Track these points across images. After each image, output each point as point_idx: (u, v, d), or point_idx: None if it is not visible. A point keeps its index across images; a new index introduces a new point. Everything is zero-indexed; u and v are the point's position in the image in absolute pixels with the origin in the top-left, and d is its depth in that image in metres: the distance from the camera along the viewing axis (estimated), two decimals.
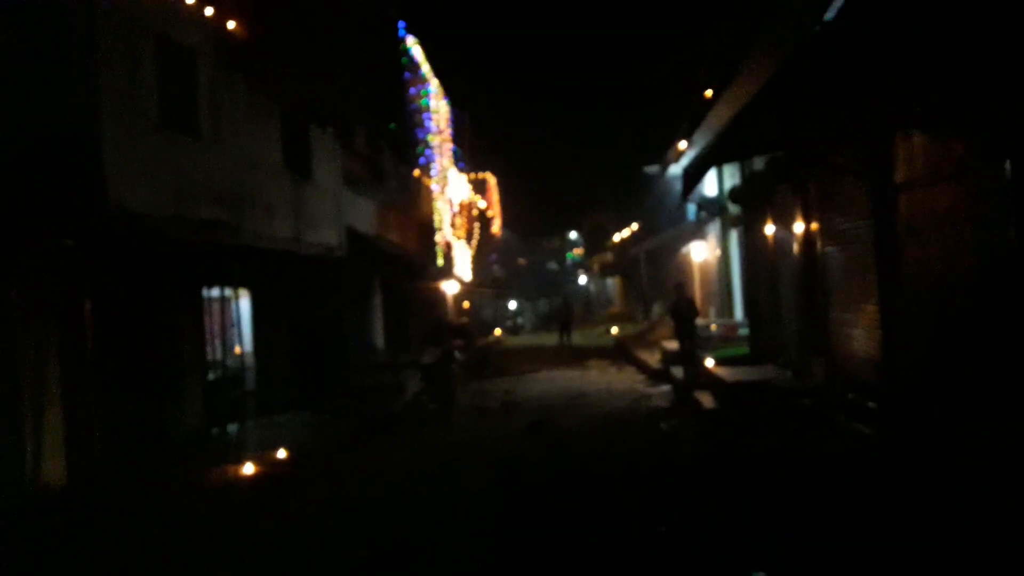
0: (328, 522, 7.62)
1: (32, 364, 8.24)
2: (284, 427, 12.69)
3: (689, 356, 15.36)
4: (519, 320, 44.48)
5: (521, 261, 71.48)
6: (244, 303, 13.84)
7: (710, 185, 17.29)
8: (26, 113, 8.10)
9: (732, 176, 15.72)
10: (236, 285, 13.06)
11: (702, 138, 14.77)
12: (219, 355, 13.77)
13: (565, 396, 15.74)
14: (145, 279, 10.13)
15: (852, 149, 8.29)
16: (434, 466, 9.99)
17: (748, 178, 13.27)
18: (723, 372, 12.87)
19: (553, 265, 73.44)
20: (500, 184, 51.81)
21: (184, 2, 10.19)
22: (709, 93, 13.21)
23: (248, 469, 9.44)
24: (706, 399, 12.70)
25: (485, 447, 11.08)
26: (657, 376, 17.61)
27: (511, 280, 60.45)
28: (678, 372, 15.84)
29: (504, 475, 9.16)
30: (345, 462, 10.52)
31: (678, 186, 18.79)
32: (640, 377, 18.44)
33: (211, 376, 13.01)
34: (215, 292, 12.73)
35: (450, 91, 28.79)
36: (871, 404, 8.79)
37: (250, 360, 13.86)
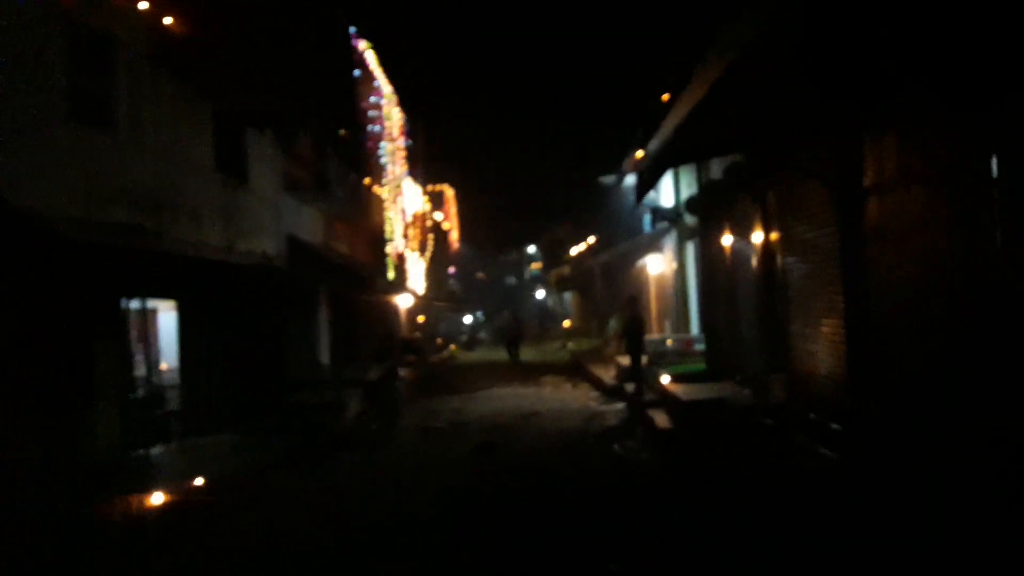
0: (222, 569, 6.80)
1: None
2: (210, 450, 11.76)
3: (637, 372, 14.80)
4: (477, 335, 43.68)
5: (480, 275, 70.88)
6: (171, 316, 12.92)
7: (666, 195, 16.79)
8: None
9: (689, 186, 15.23)
10: (160, 296, 12.14)
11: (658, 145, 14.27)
12: (143, 372, 12.85)
13: (516, 415, 15.03)
14: (51, 288, 9.20)
15: (815, 151, 7.76)
16: (363, 495, 9.21)
17: (705, 187, 12.76)
18: (678, 389, 12.28)
19: (512, 279, 72.93)
20: (458, 197, 51.20)
21: None
22: (666, 97, 12.70)
23: (154, 499, 8.56)
24: (661, 418, 12.10)
25: (425, 473, 10.32)
26: (612, 393, 17.03)
27: (470, 294, 59.77)
28: (632, 388, 15.27)
29: (442, 506, 8.42)
30: (265, 490, 9.67)
31: (633, 197, 18.30)
32: (594, 394, 17.81)
33: (133, 395, 12.07)
34: (136, 304, 11.81)
35: (404, 99, 28.09)
36: (835, 426, 8.24)
37: (178, 377, 12.93)
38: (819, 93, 5.83)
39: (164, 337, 13.35)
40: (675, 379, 13.59)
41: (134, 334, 13.05)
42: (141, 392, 12.32)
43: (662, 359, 15.94)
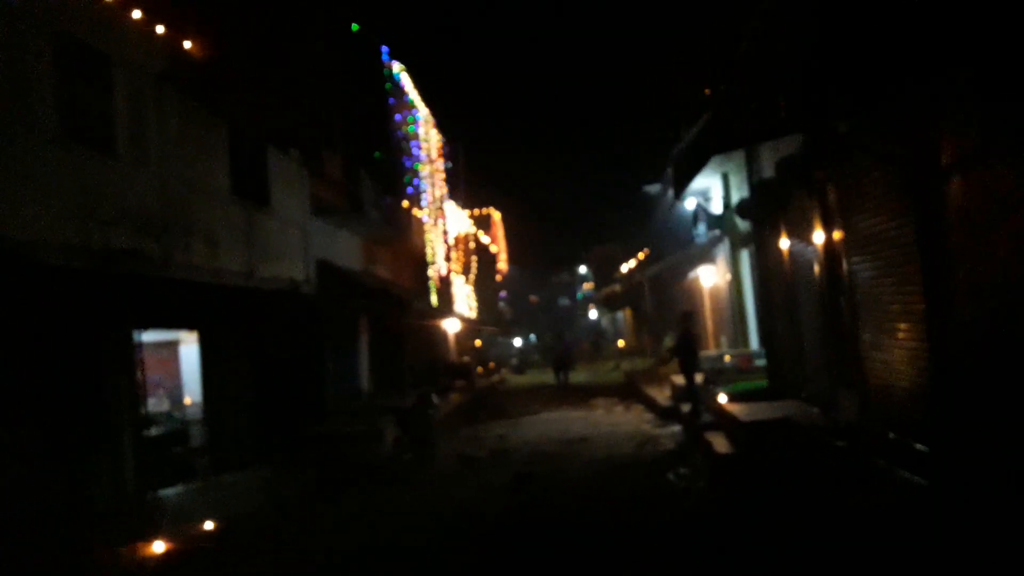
0: None
1: None
2: (234, 487, 11.05)
3: (693, 392, 13.71)
4: (528, 358, 42.73)
5: (533, 298, 70.10)
6: (194, 348, 12.33)
7: (716, 201, 15.72)
8: None
9: (740, 189, 14.15)
10: (180, 326, 11.55)
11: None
12: (164, 407, 12.27)
13: (563, 441, 14.05)
14: (54, 321, 8.62)
15: (880, 130, 6.71)
16: (387, 532, 8.35)
17: (756, 187, 11.69)
18: (738, 409, 11.17)
19: (565, 301, 71.99)
20: (507, 220, 50.59)
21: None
22: (708, 91, 11.71)
23: (155, 546, 7.83)
24: (719, 441, 11.01)
25: (457, 506, 9.43)
26: (666, 415, 15.95)
27: (522, 317, 58.97)
28: (688, 409, 14.19)
29: (469, 544, 7.51)
30: (284, 529, 8.89)
31: (682, 207, 17.26)
32: (648, 416, 16.73)
33: (152, 431, 11.46)
34: (154, 336, 11.23)
35: (442, 120, 27.56)
36: (919, 446, 7.11)
37: (202, 411, 12.31)
38: (884, 56, 4.86)
39: (187, 370, 12.77)
40: (734, 398, 12.48)
41: (155, 367, 12.52)
42: (162, 428, 11.74)
43: (720, 377, 14.82)
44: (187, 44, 11.12)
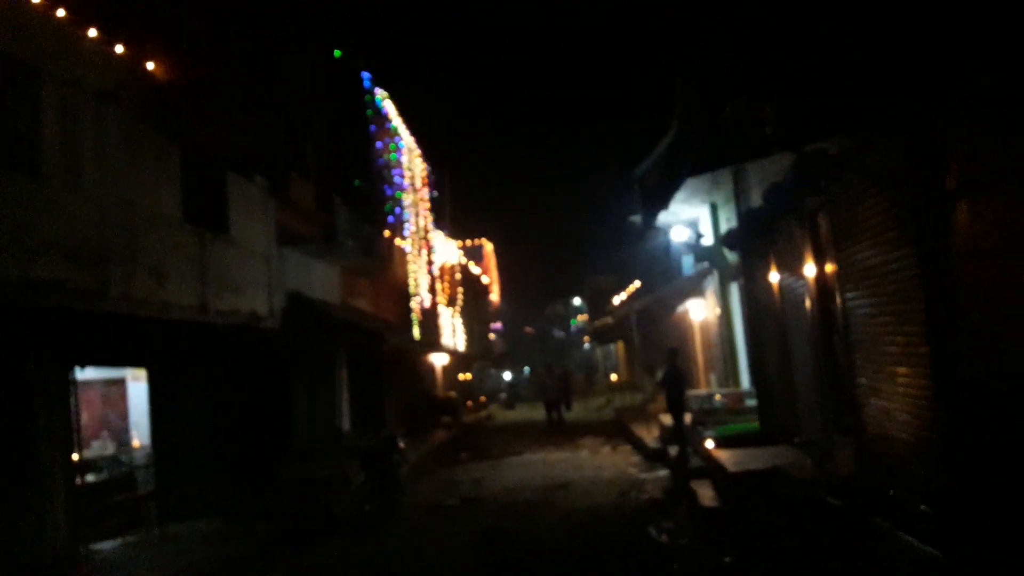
0: None
1: None
2: (178, 541, 10.18)
3: (680, 435, 12.90)
4: (518, 392, 41.81)
5: (528, 330, 69.30)
6: (143, 386, 11.50)
7: (705, 232, 14.99)
8: None
9: (729, 220, 13.44)
10: (126, 363, 10.73)
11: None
12: (108, 450, 11.42)
13: (543, 487, 13.18)
14: None
15: (877, 150, 5.97)
16: None
17: (744, 216, 10.96)
18: (726, 456, 10.34)
19: (560, 333, 71.17)
20: (500, 252, 49.99)
21: (24, 7, 8.14)
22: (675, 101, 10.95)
23: None
24: (705, 492, 10.17)
25: (419, 568, 8.56)
26: (654, 457, 15.14)
27: (516, 350, 58.11)
28: (675, 453, 13.35)
29: None
30: None
31: (666, 236, 16.52)
32: (635, 459, 15.90)
33: (91, 477, 10.61)
34: (97, 374, 10.41)
35: (431, 149, 26.95)
36: (924, 507, 6.29)
37: (150, 455, 11.45)
38: (880, 60, 4.15)
39: (136, 410, 11.92)
40: (723, 442, 11.64)
41: (99, 407, 11.69)
42: (103, 474, 10.88)
43: (709, 417, 13.95)
44: (135, 63, 10.48)
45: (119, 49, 10.00)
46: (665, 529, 9.34)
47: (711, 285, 16.53)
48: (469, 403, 33.35)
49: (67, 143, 8.52)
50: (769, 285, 10.96)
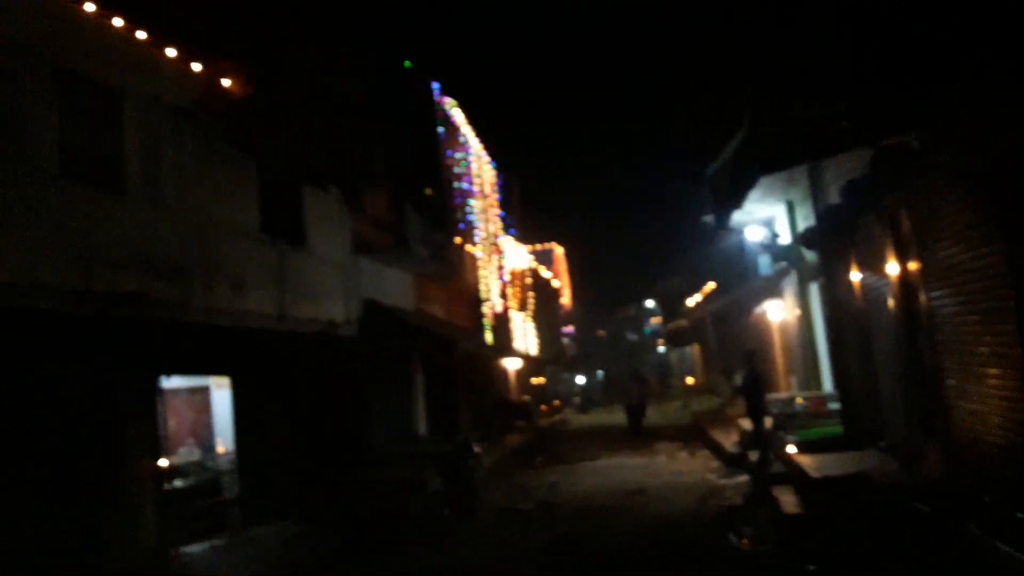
0: None
1: None
2: (261, 544, 10.42)
3: (760, 439, 12.59)
4: (592, 396, 41.56)
5: (601, 333, 68.94)
6: (226, 393, 11.83)
7: (782, 230, 14.63)
8: None
9: (806, 219, 13.07)
10: (210, 372, 11.07)
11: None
12: (194, 456, 11.78)
13: (620, 492, 13.02)
14: (59, 370, 8.19)
15: (958, 140, 5.71)
16: None
17: (822, 214, 10.64)
18: (808, 462, 10.05)
19: (633, 336, 70.56)
20: (569, 255, 49.85)
21: (108, 32, 8.47)
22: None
23: None
24: (787, 498, 9.90)
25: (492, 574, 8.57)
26: (734, 462, 14.80)
27: (589, 353, 57.84)
28: (755, 458, 13.05)
29: None
30: None
31: (740, 236, 16.17)
32: (714, 464, 15.59)
33: (179, 483, 10.96)
34: (183, 382, 10.76)
35: (500, 156, 27.08)
36: (1021, 515, 5.98)
37: (234, 460, 11.77)
38: (962, 47, 3.95)
39: (220, 417, 12.27)
40: (805, 447, 11.33)
41: (186, 415, 12.08)
42: (190, 479, 11.23)
43: (790, 421, 13.59)
44: (212, 80, 10.79)
45: (196, 67, 10.31)
46: (746, 536, 9.13)
47: (789, 285, 16.12)
48: (543, 407, 33.32)
49: (148, 160, 8.85)
50: (850, 284, 10.63)
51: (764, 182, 9.97)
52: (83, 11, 8.67)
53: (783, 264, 15.68)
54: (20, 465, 7.96)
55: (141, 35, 9.54)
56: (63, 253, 7.44)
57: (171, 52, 10.07)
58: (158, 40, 9.82)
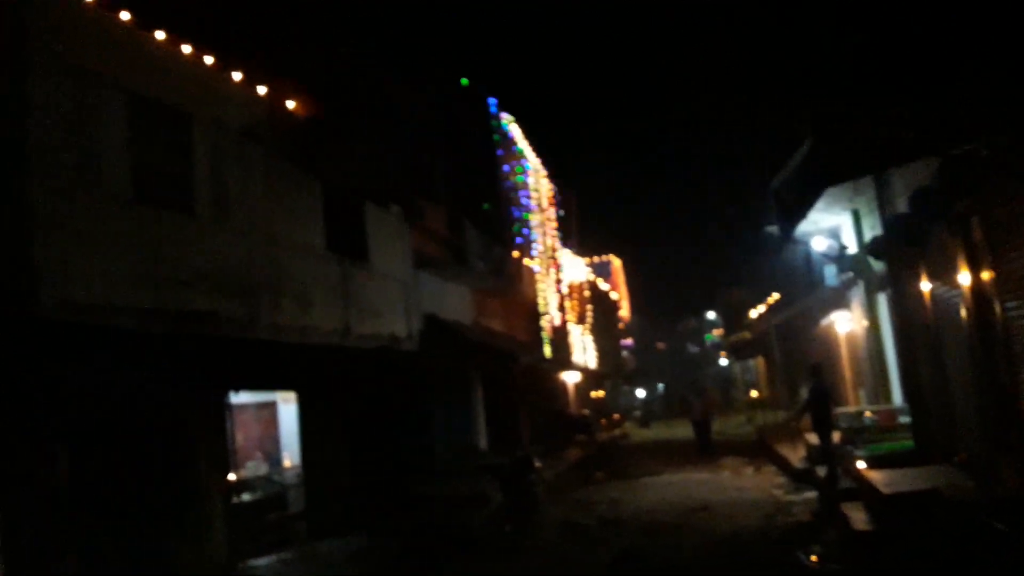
0: None
1: None
2: (326, 558, 10.57)
3: (828, 455, 12.29)
4: (652, 409, 41.11)
5: (660, 345, 68.23)
6: (292, 408, 12.07)
7: (848, 239, 14.30)
8: None
9: (873, 228, 12.76)
10: (277, 387, 11.30)
11: None
12: (262, 470, 12.02)
13: (682, 509, 12.85)
14: (133, 387, 8.46)
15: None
16: None
17: (890, 223, 10.38)
18: (878, 477, 9.78)
19: (694, 348, 69.67)
20: (629, 267, 49.58)
21: (176, 58, 8.79)
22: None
23: None
24: (857, 515, 9.64)
25: None
26: (801, 478, 14.48)
27: (648, 366, 57.29)
28: (823, 473, 12.73)
29: None
30: None
31: (805, 246, 15.86)
32: (780, 480, 15.29)
33: (247, 497, 11.20)
34: (251, 398, 11.01)
35: (556, 169, 27.13)
36: None
37: (299, 474, 11.97)
38: None
39: (286, 431, 12.52)
40: (874, 462, 11.04)
41: (254, 430, 12.34)
42: (258, 493, 11.46)
43: (859, 436, 13.25)
44: (276, 102, 11.09)
45: (260, 90, 10.61)
46: (814, 554, 8.93)
47: (856, 296, 15.75)
48: (603, 421, 33.10)
49: (216, 181, 9.10)
50: (920, 295, 10.34)
51: (829, 192, 9.78)
52: (153, 38, 9.02)
53: (850, 274, 15.33)
54: (98, 480, 8.24)
55: (208, 60, 9.89)
56: (136, 274, 7.69)
57: (236, 76, 10.42)
58: (224, 65, 10.16)
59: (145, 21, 8.81)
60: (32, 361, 7.40)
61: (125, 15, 8.41)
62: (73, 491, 8.01)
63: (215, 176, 9.06)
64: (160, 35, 9.02)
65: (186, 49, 9.54)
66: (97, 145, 7.41)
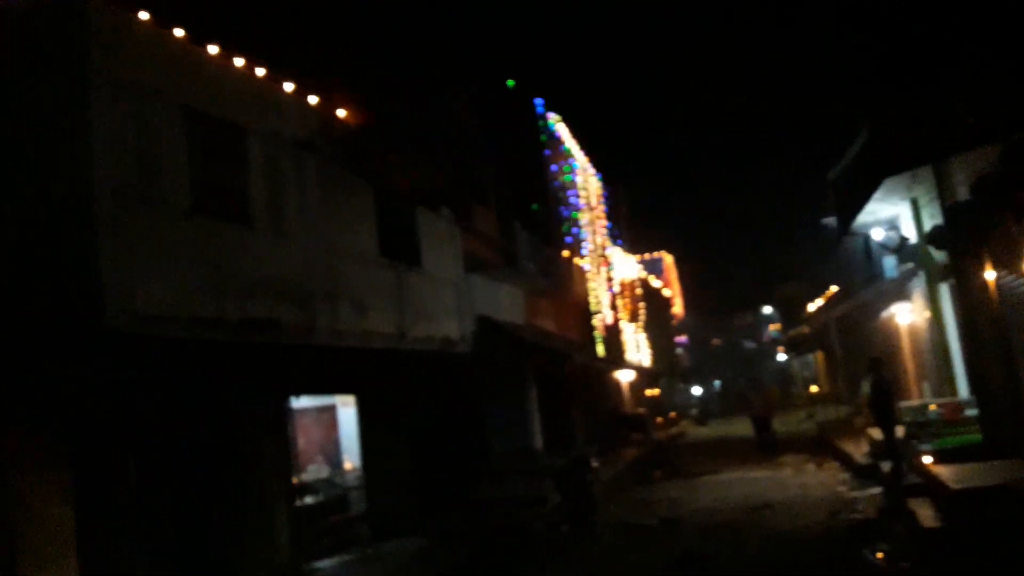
0: None
1: (33, 515, 6.86)
2: (388, 560, 10.70)
3: (892, 449, 12.01)
4: (709, 407, 40.64)
5: (716, 341, 67.45)
6: (352, 411, 12.24)
7: (907, 229, 13.96)
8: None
9: (933, 217, 12.44)
10: (335, 391, 11.47)
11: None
12: (323, 473, 12.22)
13: (745, 507, 12.67)
14: (196, 394, 8.69)
15: None
16: None
17: (951, 212, 10.10)
18: (946, 472, 9.55)
19: (751, 344, 68.72)
20: (681, 263, 49.08)
21: (230, 71, 8.98)
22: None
23: None
24: (925, 511, 9.43)
25: None
26: (864, 474, 14.17)
27: (703, 363, 56.72)
28: (888, 469, 12.46)
29: None
30: None
31: (863, 237, 15.54)
32: (843, 476, 14.98)
33: (309, 500, 11.39)
34: (311, 402, 11.19)
35: (605, 166, 27.01)
36: None
37: (359, 477, 12.14)
38: None
39: (346, 434, 12.71)
40: (941, 457, 10.79)
41: (314, 433, 12.54)
42: (319, 496, 11.65)
43: (924, 430, 12.94)
44: (328, 111, 11.25)
45: (312, 100, 10.77)
46: (881, 552, 8.73)
47: (918, 287, 15.37)
48: (659, 419, 32.86)
49: (272, 191, 9.28)
50: (985, 284, 10.05)
51: (888, 182, 9.54)
52: (206, 52, 9.22)
53: (910, 265, 14.97)
54: (166, 485, 8.48)
55: (260, 72, 10.07)
56: (198, 284, 7.88)
57: (288, 87, 10.59)
58: (276, 77, 10.34)
59: (198, 36, 9.02)
60: (101, 373, 7.65)
61: (179, 31, 8.60)
62: (143, 496, 8.27)
63: (271, 186, 9.24)
64: (213, 49, 9.22)
65: (239, 62, 9.73)
66: (157, 159, 7.61)
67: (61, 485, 7.30)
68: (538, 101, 21.38)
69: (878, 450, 13.93)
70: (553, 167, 21.07)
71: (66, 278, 6.86)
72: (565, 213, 21.21)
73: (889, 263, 16.17)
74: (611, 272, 25.85)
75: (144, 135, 7.49)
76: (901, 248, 14.22)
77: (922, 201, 12.83)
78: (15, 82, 7.14)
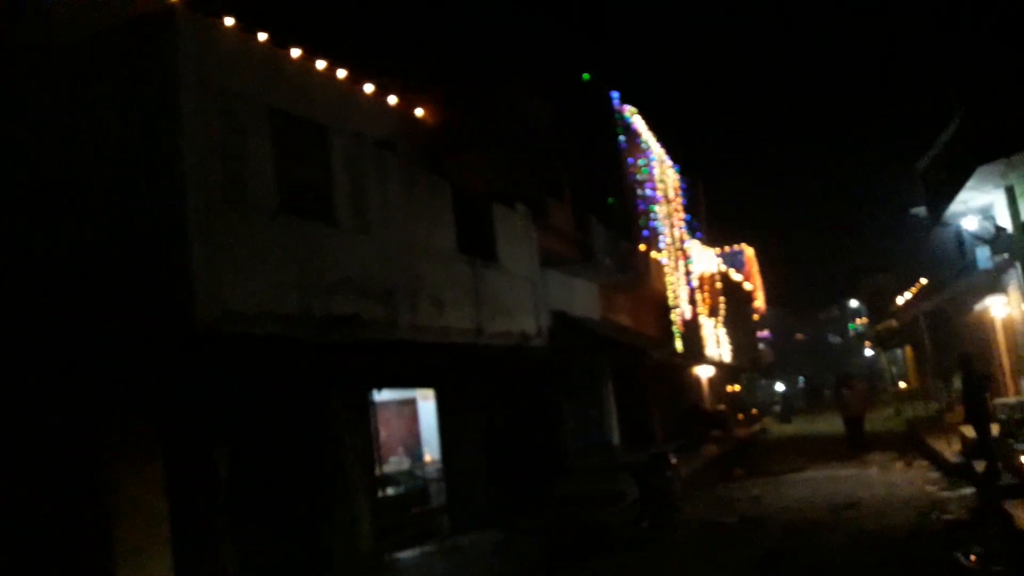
0: None
1: (127, 504, 7.21)
2: (467, 552, 10.85)
3: (987, 448, 11.53)
4: (792, 403, 39.68)
5: (799, 336, 65.89)
6: (431, 404, 12.44)
7: (1002, 219, 13.36)
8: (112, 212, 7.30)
9: None
10: (416, 385, 11.67)
11: None
12: (404, 465, 12.46)
13: (829, 506, 12.35)
14: (284, 389, 8.97)
15: None
16: None
17: None
18: None
19: (836, 338, 66.87)
20: (763, 256, 48.11)
21: (312, 73, 9.23)
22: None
23: None
24: (1021, 514, 9.03)
25: None
26: (956, 473, 13.64)
27: (786, 359, 55.46)
28: (981, 468, 11.97)
29: None
30: None
31: (954, 227, 14.93)
32: (934, 475, 14.45)
33: (391, 491, 11.62)
34: (392, 395, 11.41)
35: (679, 158, 26.65)
36: None
37: (439, 469, 12.33)
38: None
39: (426, 427, 12.93)
40: None
41: (395, 426, 12.79)
42: (400, 488, 11.88)
43: (1021, 428, 12.39)
44: (406, 110, 11.46)
45: (391, 100, 10.98)
46: (974, 554, 8.40)
47: (1013, 279, 14.69)
48: (740, 416, 32.29)
49: (354, 190, 9.49)
50: None
51: (981, 170, 9.13)
52: (289, 56, 9.50)
53: (1005, 256, 14.33)
54: (253, 479, 8.78)
55: (341, 74, 10.32)
56: (284, 282, 8.13)
57: (368, 88, 10.83)
58: (356, 78, 10.58)
59: (282, 40, 9.30)
60: (192, 369, 7.97)
61: (263, 36, 8.88)
62: (231, 489, 8.58)
63: (353, 185, 9.45)
64: (296, 52, 9.48)
65: (320, 65, 9.99)
66: (244, 160, 7.88)
67: (155, 477, 7.64)
68: (614, 94, 21.23)
69: (971, 448, 13.40)
70: (630, 160, 20.90)
71: (160, 277, 7.16)
72: (642, 206, 21.02)
73: (983, 254, 15.49)
74: (689, 266, 25.52)
75: (232, 137, 7.76)
76: (996, 238, 13.60)
77: (1018, 189, 12.25)
78: (111, 97, 7.48)
